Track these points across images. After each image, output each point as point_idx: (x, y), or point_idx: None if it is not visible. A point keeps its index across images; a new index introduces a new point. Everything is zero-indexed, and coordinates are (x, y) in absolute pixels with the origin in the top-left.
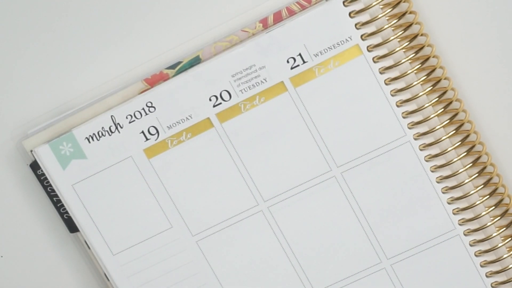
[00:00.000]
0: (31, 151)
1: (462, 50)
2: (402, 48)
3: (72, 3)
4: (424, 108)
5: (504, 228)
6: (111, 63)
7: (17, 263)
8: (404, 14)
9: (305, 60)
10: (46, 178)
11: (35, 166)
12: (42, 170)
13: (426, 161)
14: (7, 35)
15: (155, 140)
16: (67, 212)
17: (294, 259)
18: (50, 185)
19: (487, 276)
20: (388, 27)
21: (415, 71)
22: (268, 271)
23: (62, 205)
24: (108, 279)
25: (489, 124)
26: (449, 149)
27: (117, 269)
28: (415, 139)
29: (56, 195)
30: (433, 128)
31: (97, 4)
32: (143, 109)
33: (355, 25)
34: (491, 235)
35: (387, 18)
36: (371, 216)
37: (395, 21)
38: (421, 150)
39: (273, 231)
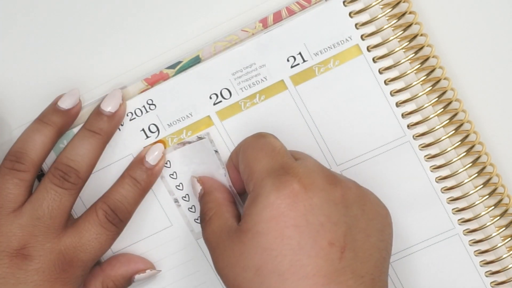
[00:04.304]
0: None
1: (461, 50)
2: (401, 48)
3: (72, 3)
4: (424, 108)
5: (504, 228)
6: (111, 63)
7: None
8: (403, 14)
9: (305, 59)
10: None
11: None
12: (42, 170)
13: (426, 161)
14: (7, 35)
15: (156, 137)
16: None
17: None
18: None
19: (486, 276)
20: (388, 27)
21: (414, 71)
22: None
23: None
24: None
25: (489, 124)
26: (448, 149)
27: None
28: (415, 139)
29: None
30: (433, 128)
31: (97, 5)
32: (143, 106)
33: (355, 25)
34: (490, 235)
35: (387, 18)
36: None
37: (394, 21)
38: (420, 150)
39: None
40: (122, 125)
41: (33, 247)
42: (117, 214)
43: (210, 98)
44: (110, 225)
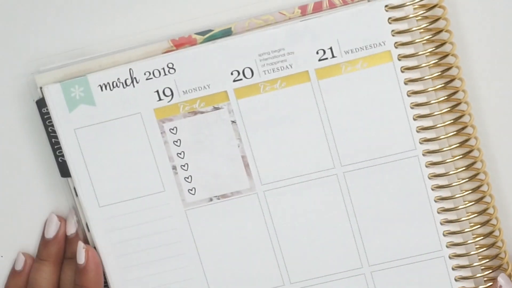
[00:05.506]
0: (41, 88)
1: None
2: (429, 65)
3: None
4: (438, 127)
5: (488, 260)
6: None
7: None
8: (440, 31)
9: (335, 55)
10: (49, 118)
11: (41, 104)
12: (47, 109)
13: (429, 178)
14: None
15: (168, 102)
16: (62, 156)
17: (278, 247)
18: (52, 126)
19: None
20: (421, 41)
21: (437, 90)
22: (248, 253)
23: (59, 148)
24: (88, 230)
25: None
26: (451, 172)
27: (100, 221)
28: (424, 155)
29: (55, 137)
30: (442, 149)
31: None
32: (163, 68)
33: (391, 31)
34: (472, 264)
35: (421, 31)
36: (363, 220)
37: (429, 36)
38: (426, 167)
39: (263, 215)
40: (137, 82)
41: None
42: None
43: (232, 74)
44: None
